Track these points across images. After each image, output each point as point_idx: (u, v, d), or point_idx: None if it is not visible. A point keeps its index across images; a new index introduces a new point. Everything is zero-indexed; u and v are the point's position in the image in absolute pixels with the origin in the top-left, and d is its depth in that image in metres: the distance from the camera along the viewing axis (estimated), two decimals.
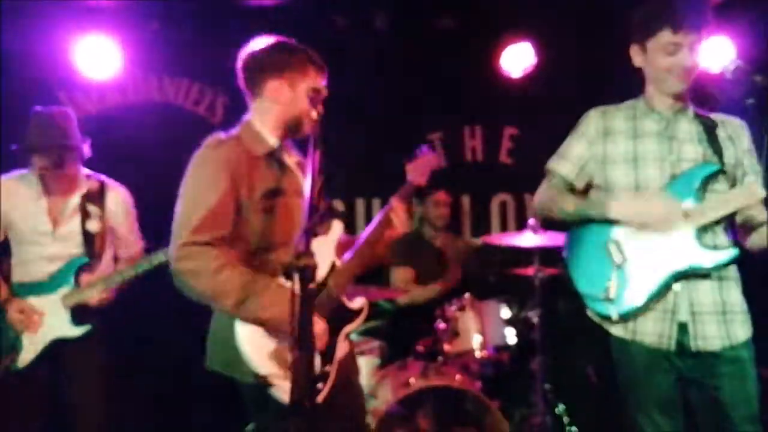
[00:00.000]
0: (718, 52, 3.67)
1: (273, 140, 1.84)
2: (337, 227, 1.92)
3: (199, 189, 1.71)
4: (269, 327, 1.70)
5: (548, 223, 2.14)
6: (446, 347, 3.01)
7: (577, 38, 3.87)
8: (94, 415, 2.47)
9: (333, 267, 1.86)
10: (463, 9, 3.85)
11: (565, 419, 3.25)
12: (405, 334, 3.26)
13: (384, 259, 2.06)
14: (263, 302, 1.67)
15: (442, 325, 3.05)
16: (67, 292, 2.45)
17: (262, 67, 1.86)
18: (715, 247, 1.83)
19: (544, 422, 3.07)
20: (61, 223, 2.48)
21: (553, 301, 3.47)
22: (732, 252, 1.81)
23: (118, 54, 3.59)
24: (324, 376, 1.77)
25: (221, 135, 1.84)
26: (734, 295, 1.85)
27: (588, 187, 2.02)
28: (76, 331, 2.44)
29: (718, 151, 1.89)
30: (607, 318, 1.84)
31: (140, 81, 3.86)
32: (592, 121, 2.02)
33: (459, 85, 4.02)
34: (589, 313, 1.92)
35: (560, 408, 3.25)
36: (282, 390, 1.66)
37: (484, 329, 3.02)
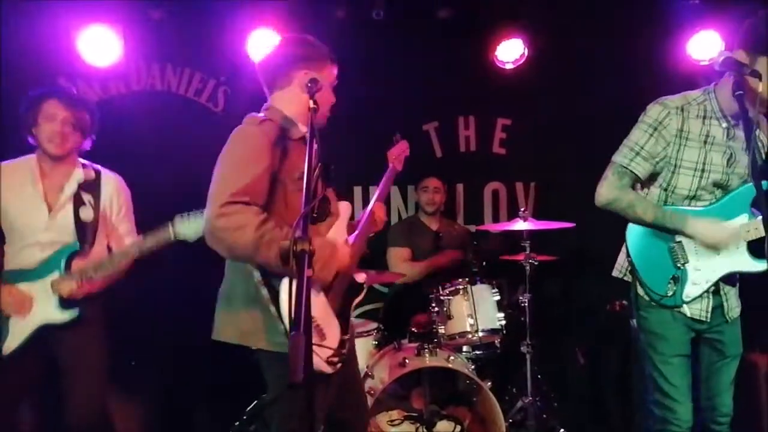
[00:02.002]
0: (707, 45, 3.76)
1: (303, 127, 1.96)
2: (346, 208, 2.05)
3: (243, 159, 1.79)
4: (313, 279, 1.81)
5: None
6: (440, 330, 3.11)
7: (570, 30, 3.94)
8: (90, 413, 2.42)
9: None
10: (458, 0, 3.91)
11: (553, 400, 3.37)
12: (401, 316, 3.36)
13: (364, 250, 2.23)
14: None
15: (436, 309, 3.15)
16: (57, 278, 2.41)
17: (294, 58, 1.98)
18: (759, 257, 2.04)
19: (534, 402, 3.19)
20: (55, 210, 2.45)
21: (543, 285, 3.59)
22: None
23: (120, 42, 3.63)
24: (343, 343, 1.90)
25: (260, 115, 1.95)
26: (737, 278, 2.18)
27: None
28: (65, 316, 2.39)
29: (760, 160, 2.04)
30: (675, 306, 2.09)
31: (142, 70, 3.91)
32: (671, 120, 2.06)
33: (454, 76, 4.09)
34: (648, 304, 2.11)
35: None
36: (314, 357, 1.76)
37: (477, 313, 3.12)
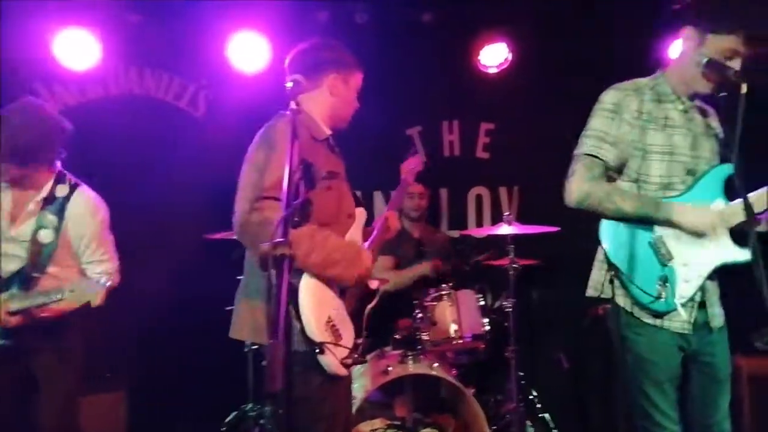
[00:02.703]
0: None
1: (326, 129, 2.01)
2: (361, 214, 2.08)
3: (275, 156, 1.79)
4: (334, 280, 1.83)
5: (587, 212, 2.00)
6: (424, 336, 3.08)
7: (553, 34, 3.95)
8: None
9: None
10: (442, 4, 3.91)
11: (538, 405, 3.35)
12: (384, 323, 3.33)
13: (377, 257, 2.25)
14: (333, 256, 1.80)
15: (419, 315, 3.12)
16: (6, 296, 2.23)
17: (325, 62, 2.01)
18: (743, 244, 1.91)
19: (518, 408, 3.17)
20: (18, 223, 2.31)
21: (526, 291, 3.58)
22: (754, 248, 1.78)
23: (98, 46, 3.58)
24: (357, 346, 1.92)
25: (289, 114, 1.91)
26: (715, 277, 2.00)
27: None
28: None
29: (722, 146, 1.98)
30: (665, 312, 1.90)
31: (120, 74, 3.85)
32: (629, 101, 1.94)
33: (438, 81, 4.09)
34: (640, 310, 1.92)
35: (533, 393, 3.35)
36: (331, 358, 1.79)
37: (461, 318, 3.10)
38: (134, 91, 3.87)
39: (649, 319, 1.92)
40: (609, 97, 1.99)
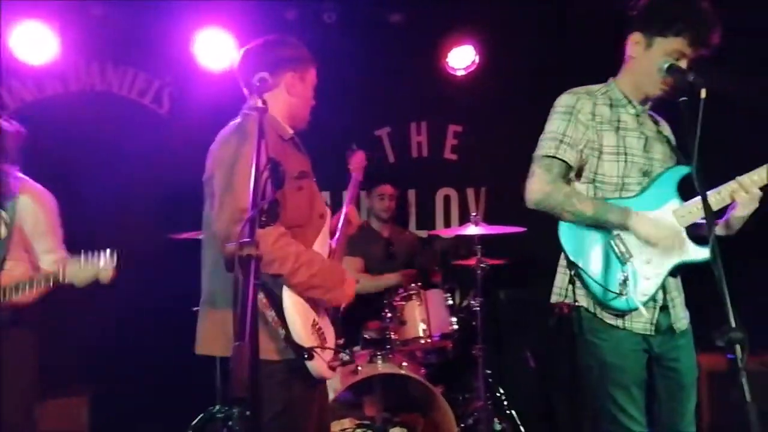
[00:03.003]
0: None
1: (290, 129, 1.97)
2: (327, 214, 2.05)
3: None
4: (314, 295, 1.80)
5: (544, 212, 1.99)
6: (393, 336, 3.09)
7: (521, 37, 4.01)
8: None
9: (331, 251, 2.02)
10: (410, 5, 3.92)
11: (505, 402, 3.40)
12: (353, 323, 3.32)
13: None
14: (314, 281, 1.78)
15: (388, 315, 3.12)
16: None
17: (282, 59, 1.95)
18: (701, 243, 1.94)
19: (485, 406, 3.20)
20: None
21: (494, 290, 3.62)
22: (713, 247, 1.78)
23: (57, 39, 3.47)
24: (338, 349, 1.92)
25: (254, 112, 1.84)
26: (679, 280, 2.03)
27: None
28: None
29: (673, 150, 2.03)
30: (627, 311, 1.90)
31: (81, 69, 3.74)
32: (583, 103, 1.97)
33: (406, 82, 4.10)
34: (602, 310, 1.92)
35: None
36: (319, 362, 1.77)
37: (429, 318, 3.12)
38: (96, 87, 3.77)
39: (611, 320, 1.93)
40: (563, 100, 2.02)
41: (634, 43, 1.96)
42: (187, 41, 3.63)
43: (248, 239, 1.40)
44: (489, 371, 3.32)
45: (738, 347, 1.50)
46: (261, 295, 1.72)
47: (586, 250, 1.94)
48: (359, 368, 2.88)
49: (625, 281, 1.88)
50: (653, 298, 1.93)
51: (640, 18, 1.95)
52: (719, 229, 2.00)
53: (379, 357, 2.96)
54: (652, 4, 1.94)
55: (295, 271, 1.74)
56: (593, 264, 1.93)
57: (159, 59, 3.76)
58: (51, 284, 2.29)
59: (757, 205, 1.94)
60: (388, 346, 3.06)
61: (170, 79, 3.81)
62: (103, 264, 2.27)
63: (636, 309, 1.90)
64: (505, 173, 4.14)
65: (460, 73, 4.04)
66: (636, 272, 1.91)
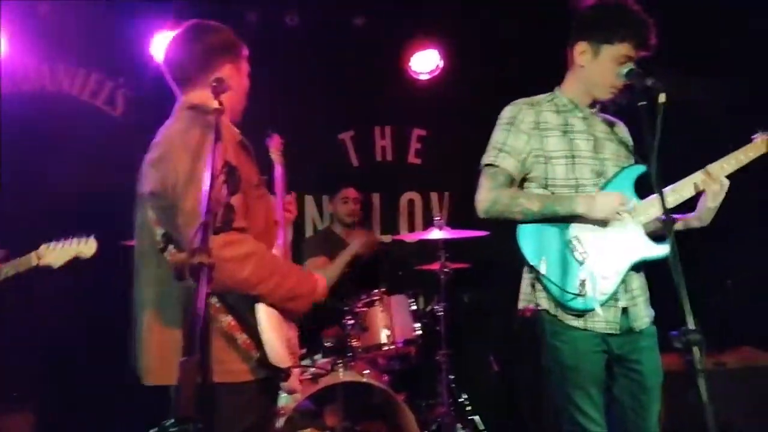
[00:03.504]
0: None
1: (235, 129, 1.78)
2: (281, 220, 1.98)
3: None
4: (290, 312, 1.72)
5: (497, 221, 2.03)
6: (355, 342, 3.04)
7: (483, 42, 4.04)
8: None
9: (284, 253, 1.95)
10: (374, 9, 3.90)
11: (468, 408, 3.39)
12: (313, 330, 3.26)
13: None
14: (290, 285, 1.69)
15: (350, 321, 3.08)
16: None
17: (216, 51, 1.76)
18: (658, 240, 1.97)
19: (449, 411, 3.18)
20: None
21: (458, 294, 3.61)
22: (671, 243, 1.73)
23: (4, 38, 3.33)
24: (303, 358, 1.87)
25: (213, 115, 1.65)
26: (643, 278, 2.05)
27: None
28: None
29: (628, 150, 2.08)
30: (587, 310, 1.92)
31: (31, 68, 3.59)
32: (525, 114, 2.03)
33: (370, 85, 4.08)
34: (563, 311, 1.94)
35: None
36: (293, 379, 1.70)
37: (392, 324, 3.08)
38: (46, 88, 3.63)
39: (572, 321, 1.94)
40: (506, 112, 2.09)
41: (580, 52, 2.02)
42: (143, 40, 3.52)
43: (200, 246, 1.34)
44: (452, 376, 3.31)
45: (696, 349, 1.52)
46: (229, 318, 1.64)
47: (544, 253, 1.96)
48: (319, 377, 2.82)
49: (583, 282, 1.91)
50: (614, 297, 1.94)
51: (583, 27, 2.01)
52: (693, 222, 2.05)
53: (341, 365, 2.90)
54: (594, 13, 2.01)
55: (277, 286, 1.65)
56: (552, 266, 1.95)
57: (112, 60, 3.65)
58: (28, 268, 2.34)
59: (723, 194, 1.97)
60: (350, 354, 3.01)
61: (124, 80, 3.69)
62: (81, 244, 2.34)
63: (593, 309, 1.92)
64: (470, 178, 4.14)
65: (424, 77, 4.04)
66: (594, 272, 1.93)
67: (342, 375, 2.87)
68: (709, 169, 1.98)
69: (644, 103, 1.80)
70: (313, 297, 1.78)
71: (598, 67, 1.99)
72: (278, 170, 2.40)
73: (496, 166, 2.02)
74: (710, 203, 1.99)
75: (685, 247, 1.88)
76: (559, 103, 2.07)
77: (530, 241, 1.98)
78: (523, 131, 2.02)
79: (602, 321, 1.94)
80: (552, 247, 1.96)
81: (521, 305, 2.06)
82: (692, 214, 2.05)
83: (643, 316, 2.01)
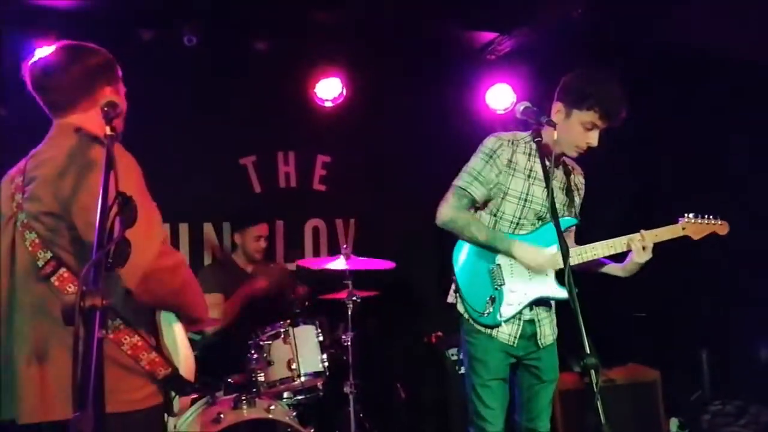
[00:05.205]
0: (502, 97, 4.20)
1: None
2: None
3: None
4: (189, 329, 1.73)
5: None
6: (260, 377, 2.92)
7: (385, 73, 4.11)
8: None
9: None
10: (275, 34, 3.85)
11: None
12: (215, 366, 3.09)
13: None
14: (203, 304, 1.70)
15: (255, 355, 2.95)
16: None
17: (95, 73, 1.66)
18: (563, 284, 2.13)
19: None
20: None
21: (364, 323, 3.59)
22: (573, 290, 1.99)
23: None
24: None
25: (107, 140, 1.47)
26: (551, 303, 2.42)
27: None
28: None
29: (573, 202, 2.40)
30: (492, 325, 2.30)
31: None
32: (503, 151, 2.31)
33: (273, 110, 4.01)
34: (473, 323, 2.32)
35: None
36: (183, 399, 1.66)
37: (299, 356, 2.99)
38: None
39: (481, 327, 2.32)
40: (489, 143, 2.33)
41: (556, 111, 2.28)
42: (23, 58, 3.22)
43: (92, 288, 1.22)
44: (359, 406, 3.26)
45: (593, 372, 1.70)
46: (135, 338, 1.54)
47: (469, 272, 2.35)
48: (221, 416, 2.66)
49: (492, 302, 2.28)
50: (517, 318, 2.31)
51: (562, 91, 2.29)
52: (618, 272, 2.38)
53: (245, 401, 2.76)
54: (572, 81, 2.27)
55: (194, 302, 1.66)
56: (471, 284, 2.33)
57: None
58: None
59: (650, 256, 2.26)
60: (255, 389, 2.87)
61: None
62: None
63: (499, 325, 2.29)
64: (374, 204, 4.23)
65: (328, 104, 4.04)
66: (503, 297, 2.30)
67: (246, 412, 2.73)
68: (644, 233, 2.27)
69: (539, 139, 2.11)
70: (201, 328, 1.81)
71: (567, 127, 2.24)
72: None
73: (467, 191, 2.31)
74: (637, 259, 2.27)
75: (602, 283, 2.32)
76: (533, 147, 2.29)
77: (462, 259, 2.35)
78: (497, 166, 2.30)
79: (505, 334, 2.31)
80: (477, 269, 2.33)
81: (450, 299, 2.42)
82: (620, 264, 2.37)
83: (548, 334, 2.39)
